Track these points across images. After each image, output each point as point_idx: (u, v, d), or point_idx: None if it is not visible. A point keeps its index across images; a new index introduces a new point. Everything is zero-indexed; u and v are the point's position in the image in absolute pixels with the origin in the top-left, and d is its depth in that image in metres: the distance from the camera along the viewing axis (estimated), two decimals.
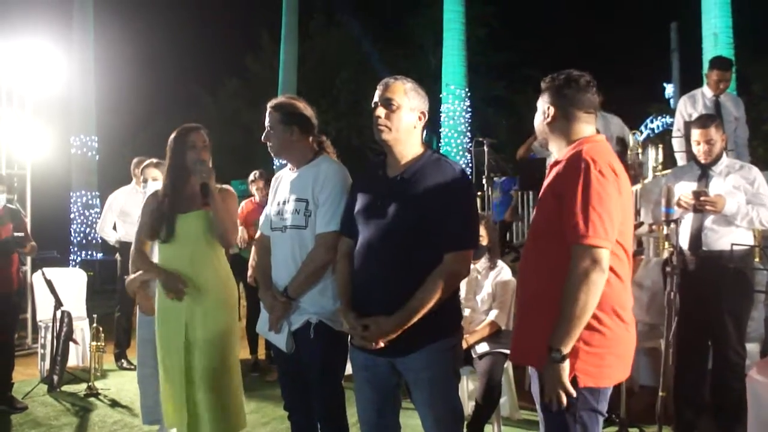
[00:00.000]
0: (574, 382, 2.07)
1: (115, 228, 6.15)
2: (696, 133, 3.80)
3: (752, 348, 4.22)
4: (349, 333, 2.51)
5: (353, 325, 2.42)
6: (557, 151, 2.32)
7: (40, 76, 7.19)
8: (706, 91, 5.38)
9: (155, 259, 3.37)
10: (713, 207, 3.63)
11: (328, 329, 2.69)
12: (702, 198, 3.64)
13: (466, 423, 3.04)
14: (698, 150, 3.79)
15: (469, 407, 3.84)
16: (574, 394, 2.06)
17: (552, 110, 2.28)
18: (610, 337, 2.11)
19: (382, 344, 2.37)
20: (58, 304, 5.25)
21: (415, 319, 2.34)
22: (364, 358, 2.49)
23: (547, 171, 2.39)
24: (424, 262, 2.36)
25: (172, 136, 3.25)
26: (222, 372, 3.17)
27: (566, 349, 2.03)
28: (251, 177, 5.85)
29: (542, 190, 2.29)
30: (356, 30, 19.56)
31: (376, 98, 2.48)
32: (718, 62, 5.44)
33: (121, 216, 6.02)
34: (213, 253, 3.25)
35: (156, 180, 4.08)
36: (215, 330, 3.16)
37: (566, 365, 2.04)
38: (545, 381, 2.09)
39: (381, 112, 2.45)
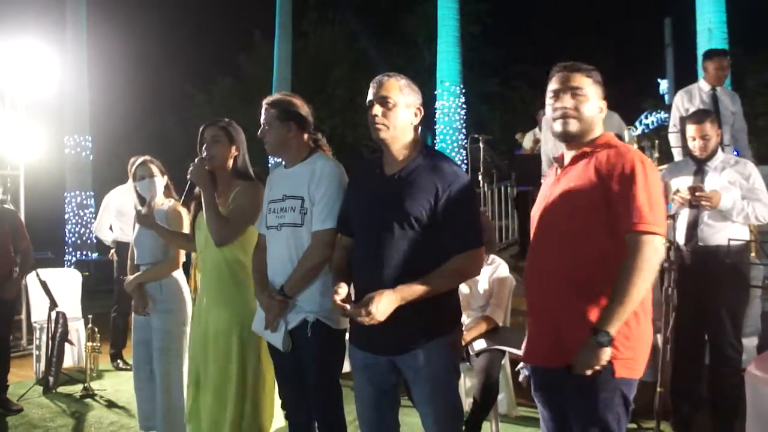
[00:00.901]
0: (611, 373, 2.07)
1: (111, 228, 6.12)
2: (691, 129, 3.81)
3: (748, 343, 4.23)
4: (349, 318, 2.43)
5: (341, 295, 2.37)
6: (576, 146, 2.27)
7: (33, 76, 7.15)
8: (703, 86, 5.38)
9: None
10: (709, 202, 3.63)
11: (326, 327, 2.68)
12: (697, 193, 3.65)
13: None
14: (693, 145, 3.80)
15: (466, 404, 3.84)
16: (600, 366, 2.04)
17: (605, 105, 2.30)
18: (641, 329, 2.14)
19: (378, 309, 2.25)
20: (53, 305, 5.22)
21: (413, 298, 2.28)
22: (364, 357, 2.48)
23: (553, 164, 2.37)
24: (424, 261, 2.33)
25: None
26: (230, 374, 3.04)
27: (615, 333, 2.02)
28: None
29: (573, 181, 2.22)
30: (350, 26, 19.51)
31: (370, 97, 2.45)
32: (713, 51, 5.47)
33: (117, 216, 5.99)
34: (220, 250, 3.13)
35: (156, 176, 4.02)
36: (217, 329, 3.09)
37: (609, 350, 2.02)
38: (580, 362, 2.03)
39: (377, 110, 2.42)
